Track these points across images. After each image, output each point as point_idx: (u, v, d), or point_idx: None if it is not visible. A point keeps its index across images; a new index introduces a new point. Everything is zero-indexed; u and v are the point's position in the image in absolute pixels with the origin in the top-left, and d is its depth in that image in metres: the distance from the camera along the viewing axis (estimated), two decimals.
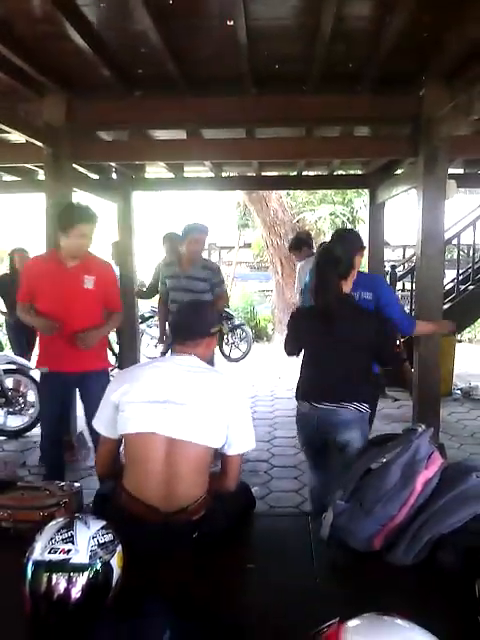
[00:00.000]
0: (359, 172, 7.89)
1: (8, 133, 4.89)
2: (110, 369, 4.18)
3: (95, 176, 6.57)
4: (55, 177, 4.72)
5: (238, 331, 10.44)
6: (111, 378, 3.29)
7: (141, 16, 3.28)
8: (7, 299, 6.84)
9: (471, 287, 8.31)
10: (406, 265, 10.78)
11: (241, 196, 13.74)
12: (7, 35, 3.58)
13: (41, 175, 6.82)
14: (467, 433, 5.89)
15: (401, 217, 14.24)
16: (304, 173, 7.94)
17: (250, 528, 2.48)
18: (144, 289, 7.27)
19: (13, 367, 5.90)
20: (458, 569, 1.91)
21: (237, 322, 10.68)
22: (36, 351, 6.89)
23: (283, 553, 2.19)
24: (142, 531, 2.06)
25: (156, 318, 7.94)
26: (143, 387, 2.27)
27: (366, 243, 7.45)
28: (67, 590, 1.58)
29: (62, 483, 2.66)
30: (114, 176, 7.30)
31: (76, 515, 1.81)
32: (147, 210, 16.06)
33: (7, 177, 7.62)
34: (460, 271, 8.59)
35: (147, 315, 9.84)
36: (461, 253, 9.23)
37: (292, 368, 3.51)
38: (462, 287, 8.38)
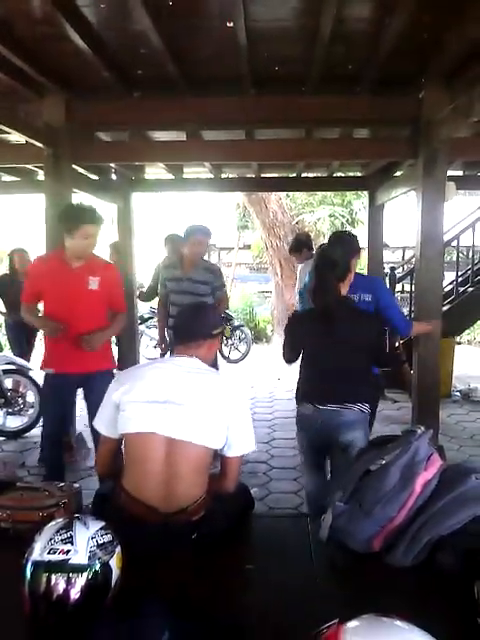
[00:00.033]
0: (358, 174, 7.90)
1: (8, 133, 4.89)
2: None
3: (95, 177, 6.57)
4: (55, 178, 4.72)
5: (237, 332, 10.46)
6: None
7: (141, 17, 3.29)
8: (6, 299, 6.84)
9: (470, 289, 8.32)
10: (405, 267, 10.79)
11: (240, 197, 13.76)
12: (7, 36, 3.58)
13: (41, 176, 6.81)
14: (466, 435, 5.89)
15: (400, 219, 14.27)
16: (303, 175, 7.95)
17: (249, 529, 2.47)
18: (143, 290, 7.28)
19: (12, 368, 5.90)
20: (457, 571, 1.90)
21: (236, 323, 10.69)
22: (36, 352, 6.98)
23: (282, 554, 2.19)
24: (141, 531, 2.06)
25: (155, 319, 7.94)
26: (144, 387, 2.27)
27: (365, 245, 7.56)
28: (66, 591, 1.58)
29: (61, 484, 2.66)
30: (114, 177, 7.31)
31: (75, 516, 1.81)
32: (146, 211, 16.06)
33: (7, 177, 7.62)
34: (459, 273, 8.59)
35: (146, 316, 9.85)
36: (460, 255, 9.22)
37: (291, 370, 3.51)
38: (461, 289, 8.39)
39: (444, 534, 2.01)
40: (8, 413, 5.89)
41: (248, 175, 8.11)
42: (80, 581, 1.59)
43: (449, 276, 8.89)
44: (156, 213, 18.79)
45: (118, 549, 1.73)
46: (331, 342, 2.94)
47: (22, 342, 6.84)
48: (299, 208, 14.38)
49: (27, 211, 15.80)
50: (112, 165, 6.86)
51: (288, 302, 11.73)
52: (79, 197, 5.47)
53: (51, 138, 4.62)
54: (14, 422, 5.90)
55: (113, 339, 7.85)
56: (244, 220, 16.14)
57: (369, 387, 3.11)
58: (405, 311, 8.19)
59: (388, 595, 1.81)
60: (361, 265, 8.58)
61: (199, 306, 2.92)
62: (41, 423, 5.60)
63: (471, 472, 2.14)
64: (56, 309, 3.67)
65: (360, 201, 13.87)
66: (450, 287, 8.74)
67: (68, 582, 1.58)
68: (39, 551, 1.62)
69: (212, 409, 2.23)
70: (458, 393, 7.65)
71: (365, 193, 9.05)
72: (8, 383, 5.99)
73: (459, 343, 10.65)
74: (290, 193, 13.27)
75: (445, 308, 7.10)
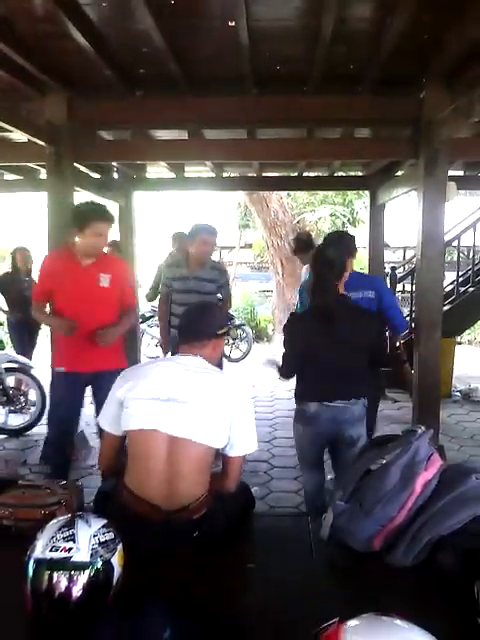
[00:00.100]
0: (360, 173, 7.90)
1: (10, 132, 4.88)
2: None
3: (96, 175, 6.57)
4: (56, 176, 4.72)
5: (238, 331, 10.47)
6: None
7: (143, 16, 3.29)
8: (8, 297, 6.86)
9: (471, 289, 8.31)
10: (406, 267, 10.78)
11: (242, 196, 13.74)
12: (9, 34, 3.58)
13: (42, 174, 6.84)
14: (467, 435, 5.89)
15: (401, 219, 14.26)
16: (305, 174, 7.94)
17: (250, 528, 2.48)
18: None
19: (14, 366, 5.91)
20: (457, 570, 1.91)
21: (238, 322, 10.71)
22: (38, 350, 6.99)
23: (283, 553, 2.19)
24: (143, 529, 2.07)
25: (156, 318, 7.94)
26: (147, 385, 2.28)
27: (366, 244, 7.56)
28: (68, 588, 1.59)
29: (63, 481, 2.67)
30: (115, 175, 7.30)
31: (77, 513, 1.82)
32: (148, 210, 16.07)
33: (9, 176, 7.62)
34: (460, 273, 8.58)
35: (148, 315, 9.85)
36: (461, 255, 9.22)
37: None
38: (462, 289, 8.38)
39: (444, 534, 2.01)
40: (10, 411, 5.90)
41: (249, 174, 8.11)
42: (82, 579, 1.60)
43: (450, 276, 8.89)
44: (158, 212, 18.80)
45: (120, 547, 1.74)
46: (331, 341, 2.96)
47: (24, 340, 6.86)
48: (300, 207, 14.37)
49: (29, 209, 15.82)
50: (114, 164, 6.86)
51: (289, 301, 11.73)
52: (81, 195, 5.47)
53: (53, 136, 4.62)
54: (16, 420, 5.91)
55: None
56: (245, 219, 16.12)
57: (368, 384, 3.15)
58: (406, 311, 8.20)
59: (388, 594, 1.82)
60: (362, 264, 8.61)
61: (205, 306, 2.91)
62: (43, 422, 5.64)
63: (471, 472, 2.15)
64: (67, 307, 3.66)
65: (361, 201, 13.86)
66: (451, 287, 8.73)
67: (70, 580, 1.59)
68: (41, 549, 1.63)
69: (215, 408, 2.24)
70: (458, 393, 7.65)
71: (366, 193, 9.06)
72: (10, 381, 6.01)
73: (460, 343, 10.64)
74: (291, 192, 13.25)
75: (446, 308, 7.09)
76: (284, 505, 4.16)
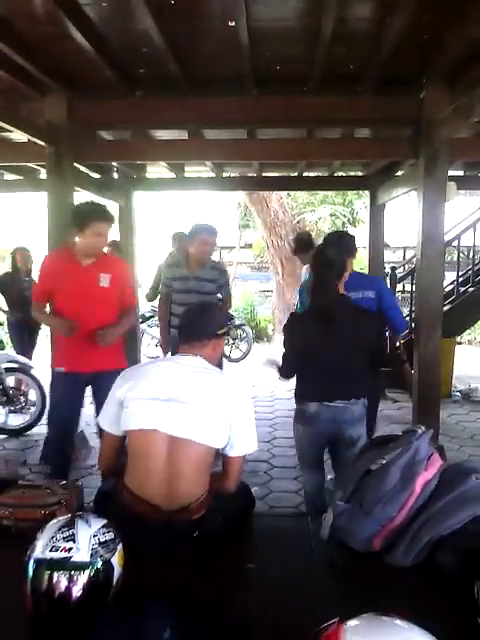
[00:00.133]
0: (360, 173, 7.89)
1: (10, 132, 4.89)
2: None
3: (96, 175, 6.57)
4: (56, 176, 4.72)
5: (238, 331, 10.47)
6: None
7: (143, 16, 3.29)
8: (8, 297, 6.86)
9: (471, 289, 8.31)
10: (406, 267, 10.78)
11: (242, 196, 13.75)
12: (9, 34, 3.58)
13: (43, 174, 6.84)
14: (467, 435, 5.89)
15: (401, 219, 14.26)
16: (305, 174, 7.94)
17: (250, 528, 2.48)
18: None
19: (14, 366, 5.90)
20: (457, 570, 1.91)
21: (237, 322, 10.71)
22: (38, 350, 6.99)
23: (283, 553, 2.19)
24: (143, 529, 2.07)
25: (156, 318, 7.94)
26: (148, 384, 2.28)
27: (366, 244, 7.56)
28: (68, 588, 1.59)
29: (63, 481, 2.67)
30: (115, 175, 7.30)
31: (77, 513, 1.82)
32: (148, 210, 16.08)
33: (9, 176, 7.62)
34: (460, 273, 8.58)
35: (148, 315, 9.85)
36: (461, 255, 9.22)
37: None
38: (462, 289, 8.38)
39: (444, 534, 2.01)
40: (10, 411, 5.90)
41: (249, 174, 8.10)
42: (82, 579, 1.60)
43: (450, 276, 8.89)
44: (158, 212, 18.80)
45: (120, 547, 1.75)
46: (331, 341, 2.96)
47: (24, 340, 6.87)
48: (300, 207, 14.37)
49: (29, 209, 15.82)
50: (114, 164, 6.86)
51: (289, 301, 11.73)
52: (81, 195, 5.47)
53: (53, 136, 4.62)
54: (16, 420, 5.91)
55: None
56: (245, 219, 16.12)
57: (368, 384, 3.15)
58: (406, 311, 8.20)
59: (388, 594, 1.82)
60: (362, 265, 8.61)
61: (205, 306, 2.91)
62: (43, 421, 5.64)
63: (471, 472, 2.15)
64: (67, 307, 3.66)
65: (361, 200, 13.86)
66: (451, 287, 8.73)
67: (70, 580, 1.59)
68: (41, 549, 1.63)
69: (215, 408, 2.24)
70: (458, 393, 7.65)
71: (366, 193, 9.06)
72: (10, 381, 6.01)
73: (460, 343, 10.64)
74: (291, 192, 13.25)
75: (446, 308, 7.10)
76: (284, 505, 4.16)
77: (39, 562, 1.61)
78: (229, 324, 2.49)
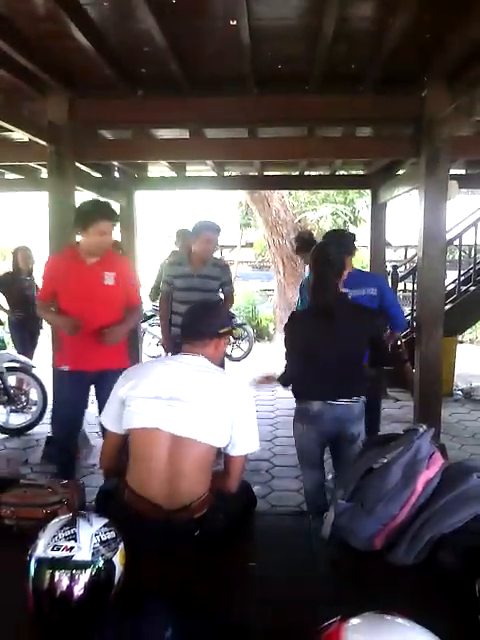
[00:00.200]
0: (361, 172, 7.90)
1: (11, 131, 4.89)
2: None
3: (98, 175, 6.58)
4: (58, 176, 4.72)
5: (239, 330, 10.47)
6: None
7: (144, 15, 3.29)
8: (9, 297, 6.86)
9: (472, 288, 8.31)
10: (408, 266, 10.77)
11: (243, 195, 13.74)
12: (11, 34, 3.58)
13: (44, 174, 6.84)
14: (468, 434, 5.89)
15: (403, 217, 14.25)
16: (306, 173, 7.95)
17: (251, 527, 2.48)
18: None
19: (16, 365, 5.91)
20: (459, 569, 1.91)
21: (239, 322, 10.71)
22: (39, 349, 6.99)
23: (284, 552, 2.19)
24: (144, 528, 2.07)
25: (157, 317, 7.94)
26: (149, 383, 2.29)
27: (368, 243, 7.56)
28: (70, 587, 1.59)
29: (65, 480, 2.67)
30: (117, 175, 7.31)
31: (79, 512, 1.82)
32: (149, 209, 16.07)
33: (10, 175, 7.62)
34: (461, 272, 8.58)
35: (149, 314, 9.86)
36: (462, 254, 9.21)
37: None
38: (463, 288, 8.38)
39: (446, 532, 2.01)
40: (11, 411, 5.91)
41: (251, 173, 8.11)
42: (83, 578, 1.61)
43: (451, 275, 8.88)
44: (159, 211, 18.80)
45: (121, 546, 1.75)
46: (333, 340, 2.97)
47: (25, 340, 6.87)
48: (302, 206, 14.36)
49: (30, 209, 15.84)
50: (115, 163, 6.87)
51: (290, 300, 11.71)
52: (82, 195, 5.47)
53: (54, 136, 4.62)
54: (17, 419, 5.91)
55: None
56: (246, 218, 16.10)
57: (367, 383, 3.18)
58: (407, 310, 8.20)
59: (389, 593, 1.82)
60: (364, 263, 8.61)
61: (207, 304, 2.90)
62: (44, 421, 5.64)
63: (472, 471, 2.15)
64: (72, 306, 3.65)
65: (363, 199, 13.84)
66: (452, 286, 8.73)
67: (71, 579, 1.59)
68: (43, 548, 1.63)
69: (217, 407, 2.24)
70: (460, 392, 7.65)
71: (368, 191, 9.03)
72: (11, 381, 6.01)
73: (461, 342, 10.62)
74: (293, 191, 13.24)
75: (447, 307, 7.09)
76: (285, 504, 4.17)
77: (41, 561, 1.61)
78: (232, 323, 2.48)
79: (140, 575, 1.80)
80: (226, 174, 8.09)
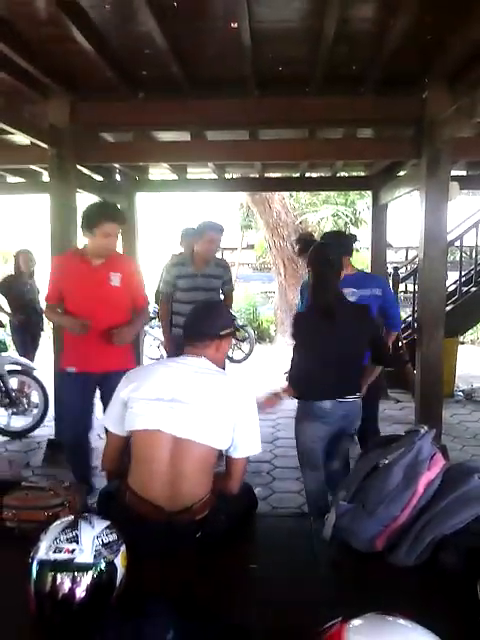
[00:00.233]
0: (362, 174, 7.90)
1: (13, 134, 4.90)
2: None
3: (99, 177, 6.58)
4: (59, 178, 4.73)
5: (241, 332, 10.47)
6: None
7: (145, 18, 3.30)
8: (11, 300, 6.87)
9: (473, 289, 8.31)
10: (409, 267, 10.76)
11: (244, 197, 13.75)
12: (12, 37, 3.60)
13: (45, 176, 6.85)
14: (469, 435, 5.88)
15: (404, 219, 14.24)
16: (307, 175, 7.95)
17: (253, 528, 2.48)
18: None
19: (17, 368, 5.91)
20: (460, 570, 1.91)
21: (240, 323, 10.71)
22: (41, 352, 6.99)
23: (285, 553, 2.19)
24: (146, 530, 2.07)
25: (158, 319, 7.95)
26: (151, 385, 2.29)
27: (369, 245, 7.56)
28: (72, 589, 1.59)
29: (66, 483, 2.67)
30: (118, 177, 7.32)
31: (81, 514, 1.82)
32: (150, 212, 16.07)
33: (11, 178, 7.65)
34: (462, 273, 8.57)
35: (150, 316, 9.85)
36: (463, 255, 9.20)
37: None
38: (464, 289, 8.38)
39: (447, 533, 2.01)
40: (13, 413, 5.90)
41: (251, 175, 8.12)
42: (85, 580, 1.60)
43: (452, 276, 8.87)
44: (160, 213, 18.80)
45: (123, 548, 1.74)
46: (334, 339, 2.99)
47: (26, 342, 6.87)
48: (302, 208, 14.38)
49: (32, 212, 15.86)
50: (116, 166, 6.88)
51: (291, 302, 11.72)
52: (84, 198, 5.48)
53: (56, 139, 4.64)
54: (19, 422, 5.90)
55: None
56: (247, 220, 16.12)
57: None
58: (408, 311, 8.20)
59: (391, 594, 1.82)
60: (365, 264, 8.61)
61: (210, 305, 2.89)
62: (46, 423, 5.64)
63: (474, 472, 2.15)
64: (78, 307, 3.65)
65: (364, 201, 13.85)
66: (453, 287, 8.72)
67: (73, 581, 1.59)
68: (44, 550, 1.63)
69: (218, 409, 2.24)
70: (461, 393, 7.64)
71: (368, 193, 9.03)
72: (13, 383, 6.01)
73: (462, 343, 10.62)
74: (293, 193, 13.26)
75: (448, 308, 7.09)
76: (287, 505, 4.16)
77: (42, 563, 1.61)
78: (234, 325, 2.47)
79: (142, 577, 1.80)
80: (227, 176, 8.10)
